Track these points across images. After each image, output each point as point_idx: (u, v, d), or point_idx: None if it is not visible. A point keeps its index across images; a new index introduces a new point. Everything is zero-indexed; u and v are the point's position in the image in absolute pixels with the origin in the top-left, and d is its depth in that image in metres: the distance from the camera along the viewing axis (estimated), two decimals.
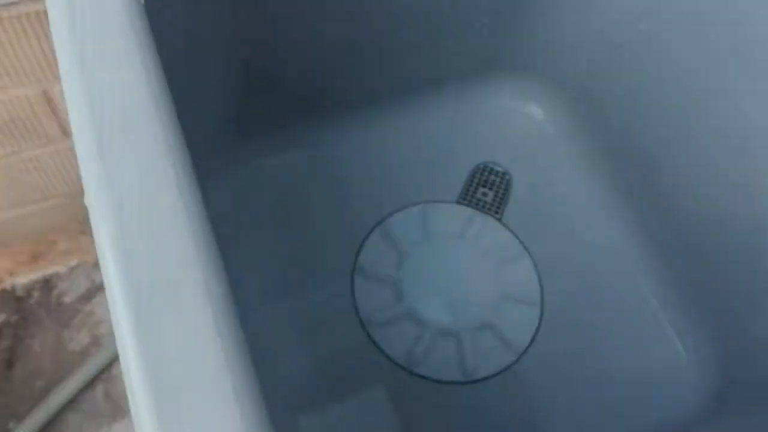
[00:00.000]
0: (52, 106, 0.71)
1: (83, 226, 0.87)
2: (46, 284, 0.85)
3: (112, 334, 0.86)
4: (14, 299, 0.84)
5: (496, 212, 0.70)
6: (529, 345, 0.64)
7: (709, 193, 0.61)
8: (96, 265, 0.87)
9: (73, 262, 0.87)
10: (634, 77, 0.65)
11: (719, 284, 0.61)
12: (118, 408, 0.78)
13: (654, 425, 0.60)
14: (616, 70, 0.66)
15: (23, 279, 0.85)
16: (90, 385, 0.80)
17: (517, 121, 0.74)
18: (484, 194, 0.71)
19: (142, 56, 0.26)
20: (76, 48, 0.28)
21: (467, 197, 0.71)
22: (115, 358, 0.81)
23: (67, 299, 0.84)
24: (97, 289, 0.85)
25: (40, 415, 0.76)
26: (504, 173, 0.73)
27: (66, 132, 0.75)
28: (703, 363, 0.61)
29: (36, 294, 0.84)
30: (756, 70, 0.53)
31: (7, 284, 0.85)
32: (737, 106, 0.55)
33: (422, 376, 0.61)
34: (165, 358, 0.21)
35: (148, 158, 0.23)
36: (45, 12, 0.54)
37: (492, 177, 0.73)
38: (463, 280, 0.66)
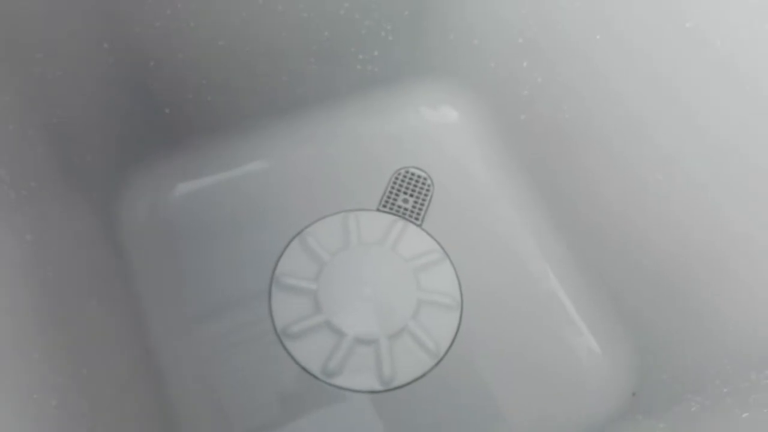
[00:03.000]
0: None
1: None
2: None
3: None
4: None
5: (416, 218, 0.71)
6: (448, 349, 0.64)
7: (619, 187, 0.61)
8: None
9: None
10: (543, 75, 0.65)
11: (632, 283, 0.61)
12: None
13: (571, 421, 0.60)
14: (525, 69, 0.66)
15: None
16: None
17: (433, 124, 0.74)
18: (405, 200, 0.72)
19: None
20: None
21: (388, 204, 0.71)
22: None
23: None
24: None
25: None
26: (425, 178, 0.73)
27: None
28: (617, 359, 0.61)
29: None
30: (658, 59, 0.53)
31: None
32: (642, 94, 0.55)
33: (339, 387, 0.61)
34: None
35: None
36: None
37: (413, 182, 0.73)
38: (382, 287, 0.66)
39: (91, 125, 0.55)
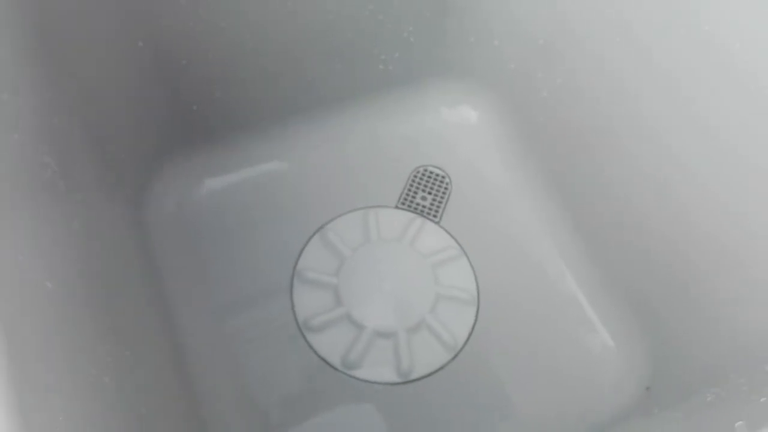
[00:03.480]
0: None
1: None
2: None
3: None
4: None
5: (435, 216, 0.72)
6: (465, 343, 0.65)
7: (636, 187, 0.62)
8: None
9: None
10: (561, 76, 0.66)
11: (646, 279, 0.62)
12: None
13: (585, 416, 0.62)
14: (543, 70, 0.68)
15: None
16: None
17: (452, 124, 0.76)
18: (423, 198, 0.73)
19: None
20: None
21: (406, 201, 0.73)
22: None
23: None
24: None
25: None
26: (443, 177, 0.74)
27: None
28: (631, 354, 0.63)
29: None
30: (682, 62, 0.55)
31: None
32: (659, 97, 0.57)
33: (358, 379, 0.63)
34: None
35: None
36: None
37: (431, 181, 0.74)
38: (401, 282, 0.68)
39: (123, 121, 0.57)
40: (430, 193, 0.74)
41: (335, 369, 0.63)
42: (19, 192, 0.28)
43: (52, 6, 0.45)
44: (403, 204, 0.73)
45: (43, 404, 0.22)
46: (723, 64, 0.51)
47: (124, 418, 0.31)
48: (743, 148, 0.52)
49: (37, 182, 0.32)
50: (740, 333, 0.51)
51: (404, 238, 0.70)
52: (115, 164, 0.56)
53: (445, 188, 0.74)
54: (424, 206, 0.73)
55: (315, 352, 0.63)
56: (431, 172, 0.75)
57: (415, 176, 0.75)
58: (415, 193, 0.74)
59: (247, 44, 0.61)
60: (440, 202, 0.73)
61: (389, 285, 0.67)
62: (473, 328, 0.66)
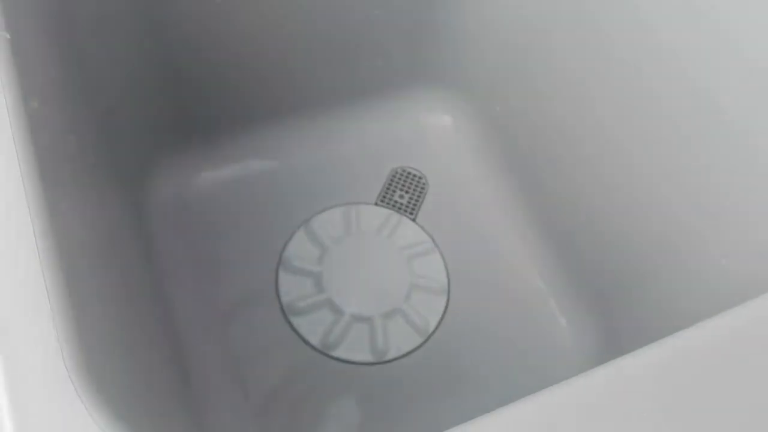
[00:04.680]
0: None
1: None
2: None
3: None
4: None
5: (411, 213, 0.78)
6: (435, 329, 0.71)
7: (595, 190, 0.69)
8: None
9: None
10: (528, 86, 0.73)
11: (601, 270, 0.68)
12: None
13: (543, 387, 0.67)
14: (512, 80, 0.74)
15: None
16: None
17: (429, 128, 0.82)
18: (401, 196, 0.79)
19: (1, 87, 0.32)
20: None
21: (385, 199, 0.79)
22: None
23: None
24: None
25: None
26: (420, 177, 0.81)
27: None
28: (583, 337, 0.69)
29: None
30: (653, 71, 0.61)
31: None
32: (621, 103, 0.63)
33: (337, 358, 0.68)
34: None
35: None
36: None
37: (409, 180, 0.80)
38: (378, 272, 0.73)
39: (127, 115, 0.63)
40: (407, 192, 0.79)
41: (315, 349, 0.68)
42: (61, 182, 0.33)
43: (72, 13, 0.51)
44: (382, 201, 0.79)
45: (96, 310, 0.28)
46: (678, 76, 0.58)
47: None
48: (688, 155, 0.58)
49: (63, 173, 0.37)
50: (683, 317, 0.57)
51: (382, 232, 0.76)
52: (118, 155, 0.61)
53: (422, 188, 0.80)
54: (401, 204, 0.79)
55: (297, 333, 0.69)
56: (409, 173, 0.81)
57: (394, 176, 0.80)
58: (394, 191, 0.79)
59: (242, 49, 0.67)
60: (417, 201, 0.79)
61: (367, 274, 0.73)
62: (443, 315, 0.72)
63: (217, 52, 0.67)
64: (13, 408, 0.24)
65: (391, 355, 0.69)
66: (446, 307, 0.72)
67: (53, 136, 0.35)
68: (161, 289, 0.66)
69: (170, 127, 0.70)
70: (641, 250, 0.64)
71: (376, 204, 0.78)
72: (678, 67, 0.56)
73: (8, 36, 0.32)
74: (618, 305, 0.66)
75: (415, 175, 0.81)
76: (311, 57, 0.73)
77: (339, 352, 0.68)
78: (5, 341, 0.24)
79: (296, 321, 0.69)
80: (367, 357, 0.69)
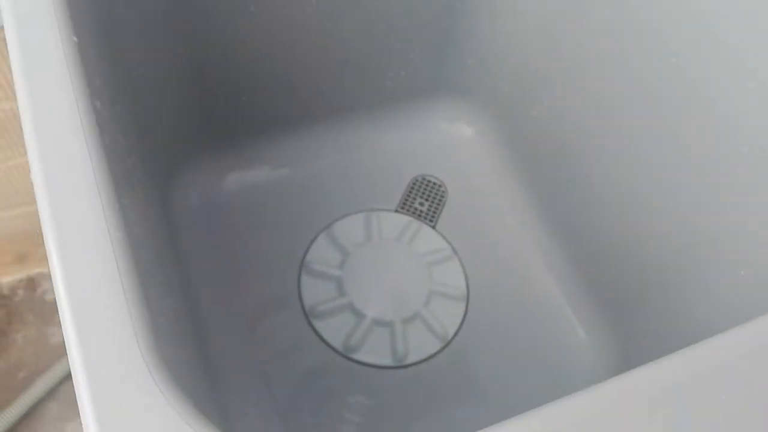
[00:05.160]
0: None
1: None
2: (31, 283, 0.94)
3: None
4: (0, 296, 0.92)
5: (431, 220, 0.79)
6: (455, 335, 0.72)
7: (614, 200, 0.70)
8: None
9: None
10: (549, 99, 0.74)
11: (620, 284, 0.70)
12: None
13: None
14: (533, 93, 0.76)
15: (9, 278, 0.94)
16: (69, 377, 0.88)
17: (450, 138, 0.84)
18: (421, 204, 0.81)
19: (72, 84, 0.34)
20: (24, 75, 0.35)
21: (405, 206, 0.80)
22: None
23: (49, 297, 0.93)
24: None
25: (23, 402, 0.84)
26: (440, 185, 0.82)
27: None
28: (601, 348, 0.70)
29: (21, 292, 0.93)
30: (665, 89, 0.63)
31: None
32: (653, 120, 0.65)
33: (358, 362, 0.69)
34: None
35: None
36: None
37: (429, 188, 0.82)
38: (398, 277, 0.75)
39: (158, 117, 0.64)
40: (427, 200, 0.81)
41: (337, 352, 0.69)
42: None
43: (114, 18, 0.53)
44: (402, 208, 0.80)
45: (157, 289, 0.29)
46: (690, 94, 0.59)
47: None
48: (709, 168, 0.59)
49: (119, 172, 0.38)
50: (698, 331, 0.58)
51: (403, 239, 0.77)
52: (148, 157, 0.63)
53: (441, 196, 0.81)
54: (421, 211, 0.80)
55: (319, 336, 0.70)
56: (429, 181, 0.82)
57: (414, 184, 0.82)
58: (414, 199, 0.81)
59: (270, 56, 0.69)
60: (436, 208, 0.80)
61: (388, 279, 0.74)
62: (462, 321, 0.73)
63: (246, 59, 0.68)
64: (92, 390, 0.25)
65: (411, 359, 0.70)
66: (465, 314, 0.74)
67: (110, 136, 0.36)
68: (188, 288, 0.67)
69: (197, 131, 0.71)
70: (660, 262, 0.65)
71: (396, 211, 0.80)
72: (701, 85, 0.58)
73: (76, 39, 0.33)
74: (637, 317, 0.67)
75: (435, 184, 0.82)
76: (337, 66, 0.75)
77: (360, 355, 0.70)
78: (84, 328, 0.26)
79: (318, 324, 0.71)
80: (387, 361, 0.70)
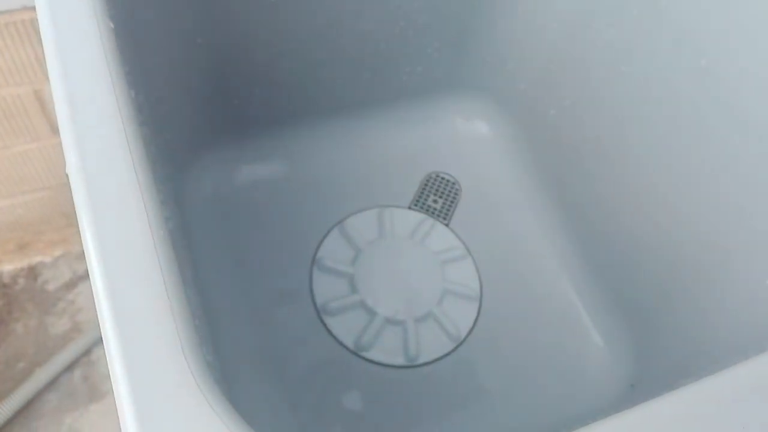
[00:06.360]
0: (43, 105, 0.78)
1: (69, 219, 0.93)
2: (32, 272, 0.92)
3: (92, 321, 0.93)
4: (0, 285, 0.90)
5: (444, 218, 0.78)
6: (467, 335, 0.71)
7: (630, 199, 0.69)
8: (79, 256, 0.94)
9: (58, 253, 0.93)
10: (565, 98, 0.73)
11: (635, 282, 0.69)
12: (95, 390, 0.85)
13: (572, 408, 0.68)
14: (549, 92, 0.75)
15: (9, 266, 0.92)
16: (69, 368, 0.86)
17: (465, 135, 0.83)
18: (435, 201, 0.79)
19: (109, 70, 0.33)
20: (60, 59, 0.34)
21: (419, 203, 0.79)
22: (94, 344, 0.87)
23: (50, 287, 0.91)
24: (79, 279, 0.92)
25: (22, 393, 0.82)
26: (454, 183, 0.81)
27: (54, 129, 0.82)
28: (618, 352, 0.69)
29: (21, 281, 0.91)
30: (676, 90, 0.62)
31: None
32: (658, 118, 0.64)
33: (369, 360, 0.68)
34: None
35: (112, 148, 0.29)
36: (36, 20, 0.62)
37: (442, 186, 0.81)
38: (411, 275, 0.74)
39: (176, 107, 0.63)
40: (441, 197, 0.80)
41: (348, 350, 0.68)
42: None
43: (140, 8, 0.51)
44: (415, 205, 0.79)
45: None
46: (719, 95, 0.58)
47: None
48: (731, 176, 0.59)
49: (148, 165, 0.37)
50: (722, 332, 0.57)
51: (416, 236, 0.76)
52: (165, 147, 0.61)
53: (455, 194, 0.80)
54: (435, 209, 0.79)
55: (330, 333, 0.69)
56: (443, 178, 0.81)
57: (428, 181, 0.81)
58: (428, 196, 0.80)
59: (287, 49, 0.67)
60: (450, 206, 0.79)
61: (400, 277, 0.73)
62: (475, 321, 0.72)
63: (262, 51, 0.67)
64: (134, 392, 0.24)
65: (422, 359, 0.69)
66: (478, 314, 0.73)
67: (146, 127, 0.35)
68: (198, 280, 0.65)
69: (210, 123, 0.70)
70: (679, 269, 0.64)
71: (409, 208, 0.79)
72: (723, 91, 0.57)
73: (112, 25, 0.32)
74: (654, 324, 0.66)
75: (448, 181, 0.81)
76: (353, 60, 0.74)
77: (372, 354, 0.68)
78: (128, 329, 0.24)
79: (330, 321, 0.69)
80: (399, 360, 0.69)
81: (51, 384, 0.85)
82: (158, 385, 0.24)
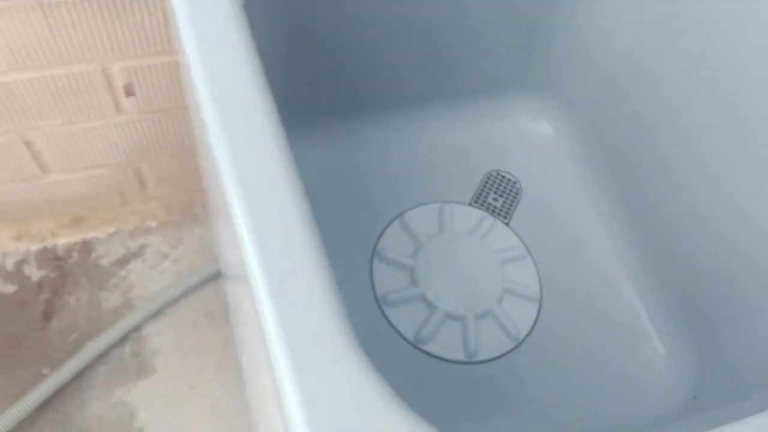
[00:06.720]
0: (110, 83, 0.78)
1: (123, 198, 0.94)
2: (85, 247, 0.93)
3: (143, 298, 0.93)
4: (55, 258, 0.91)
5: (505, 217, 0.78)
6: (527, 336, 0.71)
7: (696, 210, 0.68)
8: (131, 234, 0.94)
9: (112, 230, 0.94)
10: (635, 103, 0.73)
11: (701, 291, 0.68)
12: (145, 366, 0.86)
13: (632, 419, 0.67)
14: (619, 96, 0.74)
15: (64, 240, 0.93)
16: (120, 343, 0.87)
17: (529, 134, 0.82)
18: (495, 199, 0.79)
19: (244, 47, 0.34)
20: (197, 39, 0.35)
21: (479, 200, 0.79)
22: (145, 320, 0.88)
23: (103, 262, 0.92)
24: (132, 256, 0.92)
25: (73, 363, 0.83)
26: (514, 182, 0.81)
27: (119, 108, 0.82)
28: (681, 363, 0.69)
29: (75, 255, 0.92)
30: (745, 99, 0.61)
31: (49, 243, 0.92)
32: (734, 138, 0.63)
33: (428, 353, 0.68)
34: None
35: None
36: None
37: (503, 184, 0.80)
38: (471, 272, 0.73)
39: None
40: (501, 196, 0.79)
41: (408, 342, 0.68)
42: None
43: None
44: (475, 202, 0.79)
45: None
46: None
47: None
48: None
49: None
50: None
51: (476, 233, 0.76)
52: None
53: (516, 193, 0.80)
54: (495, 207, 0.79)
55: (391, 324, 0.69)
56: (503, 177, 0.81)
57: (489, 179, 0.80)
58: (488, 194, 0.79)
59: (355, 39, 0.67)
60: (510, 205, 0.79)
61: (460, 273, 0.73)
62: (535, 322, 0.72)
63: (331, 41, 0.67)
64: (294, 365, 0.24)
65: (481, 356, 0.69)
66: (538, 315, 0.72)
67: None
68: None
69: (280, 111, 0.70)
70: (747, 281, 0.63)
71: (470, 204, 0.78)
72: None
73: (241, 1, 0.32)
74: (719, 335, 0.65)
75: (509, 180, 0.81)
76: (423, 55, 0.74)
77: (431, 348, 0.68)
78: (290, 311, 0.25)
79: (389, 312, 0.69)
80: (458, 356, 0.69)
81: (101, 357, 0.86)
82: (322, 373, 0.24)
